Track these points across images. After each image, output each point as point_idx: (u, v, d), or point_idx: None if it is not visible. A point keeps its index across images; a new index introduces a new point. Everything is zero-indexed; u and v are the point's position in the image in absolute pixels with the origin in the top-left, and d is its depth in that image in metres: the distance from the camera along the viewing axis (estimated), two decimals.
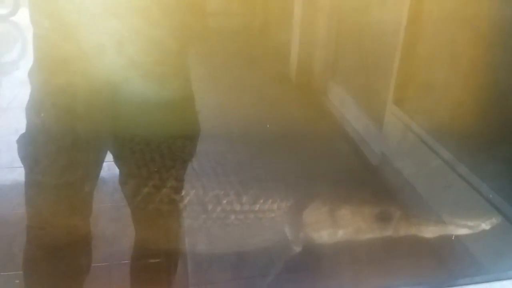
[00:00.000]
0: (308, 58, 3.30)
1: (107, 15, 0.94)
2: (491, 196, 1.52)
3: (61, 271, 1.22)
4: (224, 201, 1.44)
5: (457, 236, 1.60)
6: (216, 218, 1.51)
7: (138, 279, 1.42)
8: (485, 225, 1.46)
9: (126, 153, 1.13)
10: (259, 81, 3.20)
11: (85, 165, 1.11)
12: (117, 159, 1.17)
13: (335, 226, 1.49)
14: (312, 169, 2.28)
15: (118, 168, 1.18)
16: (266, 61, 3.39)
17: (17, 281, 1.26)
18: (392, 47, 2.14)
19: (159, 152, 1.12)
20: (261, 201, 1.54)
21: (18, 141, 1.10)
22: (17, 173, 1.16)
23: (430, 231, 1.62)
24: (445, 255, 1.69)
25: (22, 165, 1.11)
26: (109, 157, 1.18)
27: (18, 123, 1.10)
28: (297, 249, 1.44)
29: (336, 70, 3.12)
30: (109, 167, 1.19)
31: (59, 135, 1.05)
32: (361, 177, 2.30)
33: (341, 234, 1.46)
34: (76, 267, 1.26)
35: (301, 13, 3.21)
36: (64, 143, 1.05)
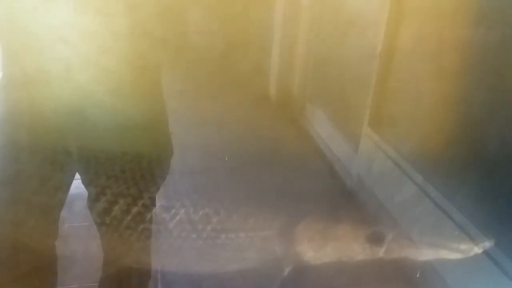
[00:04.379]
0: (288, 80, 3.33)
1: (54, 39, 0.90)
2: (460, 227, 1.53)
3: None
4: (194, 223, 1.42)
5: (429, 262, 1.61)
6: (188, 239, 1.49)
7: None
8: (458, 253, 1.46)
9: (94, 174, 1.10)
10: (239, 100, 3.21)
11: (51, 187, 1.08)
12: (86, 181, 1.14)
13: (306, 247, 1.48)
14: (288, 189, 2.27)
15: (87, 189, 1.15)
16: (246, 81, 3.41)
17: None
18: (368, 72, 2.18)
19: (129, 174, 1.10)
20: (235, 221, 1.53)
21: None
22: None
23: (403, 256, 1.62)
24: (417, 281, 1.69)
25: None
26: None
27: None
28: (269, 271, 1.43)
29: (315, 91, 3.15)
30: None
31: (23, 155, 1.02)
32: (337, 198, 2.31)
33: (312, 256, 1.45)
34: None
35: (281, 35, 3.25)
36: (29, 163, 1.02)
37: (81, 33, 0.90)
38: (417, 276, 1.61)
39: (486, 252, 1.39)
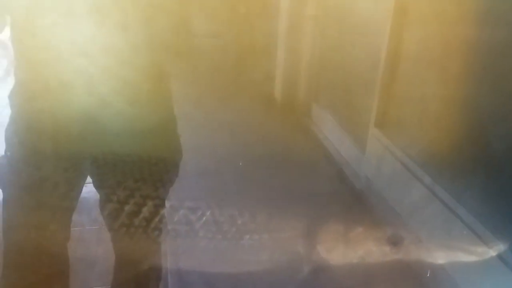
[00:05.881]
0: (293, 81, 3.33)
1: (75, 52, 0.93)
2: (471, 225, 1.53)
3: None
4: (204, 223, 1.44)
5: (439, 262, 1.61)
6: (201, 240, 1.50)
7: None
8: (470, 256, 1.47)
9: (106, 177, 1.12)
10: (245, 103, 3.23)
11: (63, 190, 1.10)
12: (97, 184, 1.16)
13: (317, 248, 1.49)
14: (296, 191, 2.28)
15: (98, 192, 1.17)
16: (252, 83, 3.43)
17: None
18: (374, 73, 2.18)
19: (139, 177, 1.12)
20: (247, 223, 1.54)
21: None
22: None
23: (414, 258, 1.62)
24: (427, 280, 1.69)
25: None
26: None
27: None
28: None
29: (321, 94, 3.15)
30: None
31: (36, 159, 1.04)
32: (346, 200, 2.31)
33: (323, 257, 1.46)
34: None
35: (287, 38, 3.25)
36: (41, 167, 1.04)
37: (101, 47, 0.93)
38: (427, 275, 1.61)
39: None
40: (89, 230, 1.63)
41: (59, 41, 0.92)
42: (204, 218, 1.51)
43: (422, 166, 1.85)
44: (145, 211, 1.16)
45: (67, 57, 0.93)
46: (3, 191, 1.11)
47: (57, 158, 1.05)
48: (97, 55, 0.93)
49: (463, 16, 1.63)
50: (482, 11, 1.54)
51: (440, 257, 1.57)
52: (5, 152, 1.09)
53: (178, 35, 1.02)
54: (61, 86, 0.96)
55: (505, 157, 1.47)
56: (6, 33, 1.03)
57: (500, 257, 1.38)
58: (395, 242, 1.61)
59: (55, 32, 0.91)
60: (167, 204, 1.25)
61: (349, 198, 2.31)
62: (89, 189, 1.18)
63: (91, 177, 1.15)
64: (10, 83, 1.07)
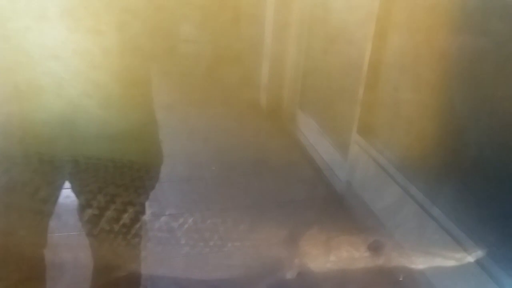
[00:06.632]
0: (278, 88, 3.35)
1: (47, 56, 0.93)
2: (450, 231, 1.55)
3: None
4: (186, 229, 1.43)
5: (419, 267, 1.62)
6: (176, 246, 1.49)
7: None
8: (447, 260, 1.48)
9: (85, 183, 1.11)
10: (230, 109, 3.23)
11: (43, 196, 1.09)
12: (76, 189, 1.15)
13: (295, 254, 1.50)
14: (278, 196, 2.29)
15: (77, 197, 1.16)
16: (237, 90, 3.43)
17: None
18: (357, 81, 2.20)
19: (119, 183, 1.11)
20: (225, 229, 1.54)
21: None
22: None
23: (392, 262, 1.64)
24: (404, 284, 1.71)
25: None
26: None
27: None
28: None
29: (305, 100, 3.17)
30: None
31: (15, 167, 1.03)
32: (327, 205, 2.32)
33: (300, 262, 1.47)
34: None
35: (272, 44, 3.27)
36: (22, 174, 1.03)
37: (73, 50, 0.93)
38: (400, 279, 1.63)
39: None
40: (66, 236, 1.61)
41: (31, 44, 0.91)
42: (185, 226, 1.50)
43: (402, 170, 1.87)
44: (125, 217, 1.15)
45: (39, 60, 0.92)
46: None
47: (32, 163, 1.03)
48: (69, 59, 0.93)
49: (442, 25, 1.67)
50: (459, 20, 1.58)
51: (420, 262, 1.58)
52: None
53: (153, 40, 1.02)
54: (33, 89, 0.95)
55: (478, 161, 1.50)
56: None
57: (477, 260, 1.40)
58: (376, 247, 1.63)
59: (28, 36, 0.91)
60: (148, 211, 1.25)
61: (331, 203, 2.32)
62: (66, 194, 1.17)
63: (70, 182, 1.14)
64: None
